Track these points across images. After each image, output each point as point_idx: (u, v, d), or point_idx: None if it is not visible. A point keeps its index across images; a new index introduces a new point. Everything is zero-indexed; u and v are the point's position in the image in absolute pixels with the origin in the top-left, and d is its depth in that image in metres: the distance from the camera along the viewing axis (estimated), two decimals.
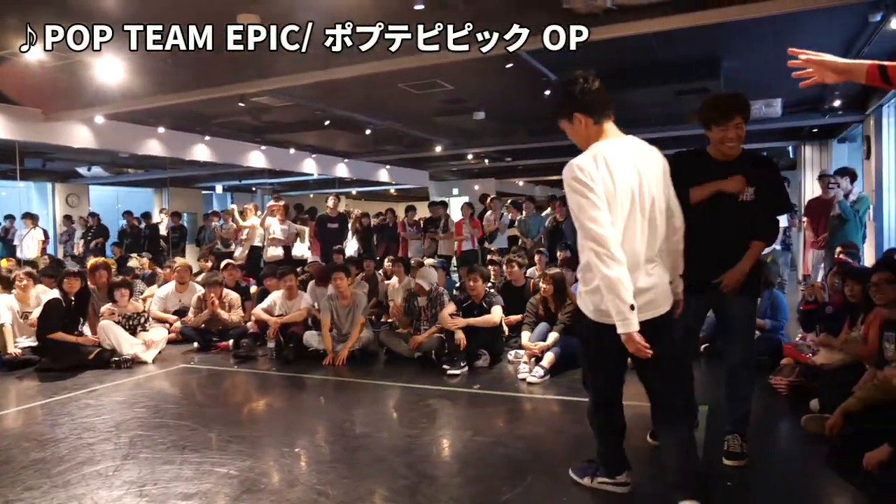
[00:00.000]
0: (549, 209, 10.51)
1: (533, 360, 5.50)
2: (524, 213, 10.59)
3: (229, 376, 5.99)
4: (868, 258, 8.13)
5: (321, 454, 3.73)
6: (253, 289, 8.23)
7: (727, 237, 3.20)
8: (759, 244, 3.22)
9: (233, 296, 7.28)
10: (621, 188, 2.40)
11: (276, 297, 6.94)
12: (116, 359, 6.20)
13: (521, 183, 22.43)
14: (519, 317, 6.37)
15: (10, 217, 12.87)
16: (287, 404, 5.01)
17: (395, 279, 8.22)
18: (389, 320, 7.18)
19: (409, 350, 6.09)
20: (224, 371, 6.14)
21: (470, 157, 16.10)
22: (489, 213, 11.09)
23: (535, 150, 14.85)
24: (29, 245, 11.91)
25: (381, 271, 9.46)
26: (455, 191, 20.04)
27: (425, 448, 3.79)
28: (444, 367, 5.63)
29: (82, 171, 15.03)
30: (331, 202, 10.51)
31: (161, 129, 11.13)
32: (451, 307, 5.98)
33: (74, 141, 10.14)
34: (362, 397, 5.09)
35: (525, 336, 5.78)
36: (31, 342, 6.48)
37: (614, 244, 2.35)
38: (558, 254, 8.46)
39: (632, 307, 2.34)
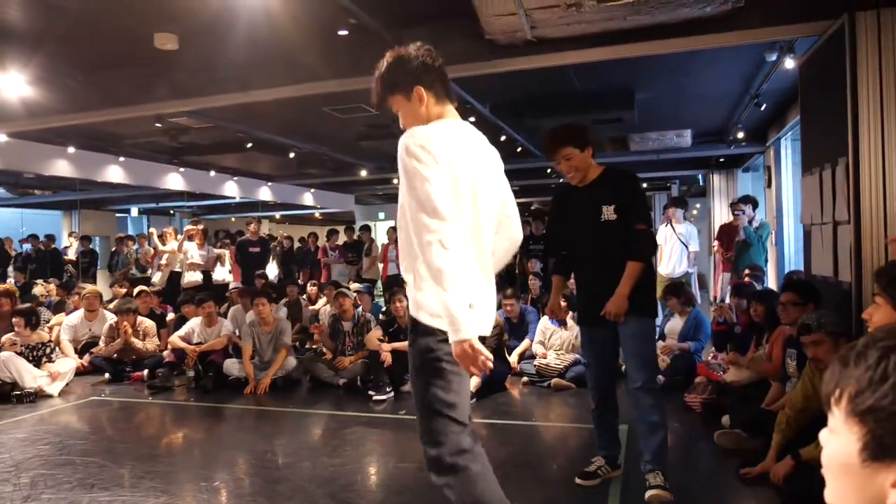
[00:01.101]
0: None
1: None
2: None
3: (143, 408, 5.71)
4: (771, 280, 8.66)
5: (241, 487, 3.61)
6: (170, 316, 7.92)
7: (597, 263, 3.24)
8: (635, 264, 3.12)
9: (147, 323, 6.98)
10: (469, 175, 2.02)
11: (194, 324, 6.69)
12: (17, 393, 5.80)
13: None
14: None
15: None
16: (206, 436, 4.82)
17: (323, 302, 8.10)
18: (314, 346, 7.06)
19: (334, 376, 6.00)
20: (138, 403, 5.85)
21: (395, 181, 16.13)
22: None
23: None
24: None
25: (304, 296, 9.31)
26: (381, 214, 20.01)
27: (349, 476, 3.73)
28: (370, 392, 5.58)
29: None
30: (252, 226, 10.29)
31: (71, 149, 10.61)
32: (377, 331, 5.95)
33: None
34: (285, 426, 4.96)
35: None
36: None
37: (459, 230, 1.93)
38: None
39: (469, 306, 1.87)
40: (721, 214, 12.08)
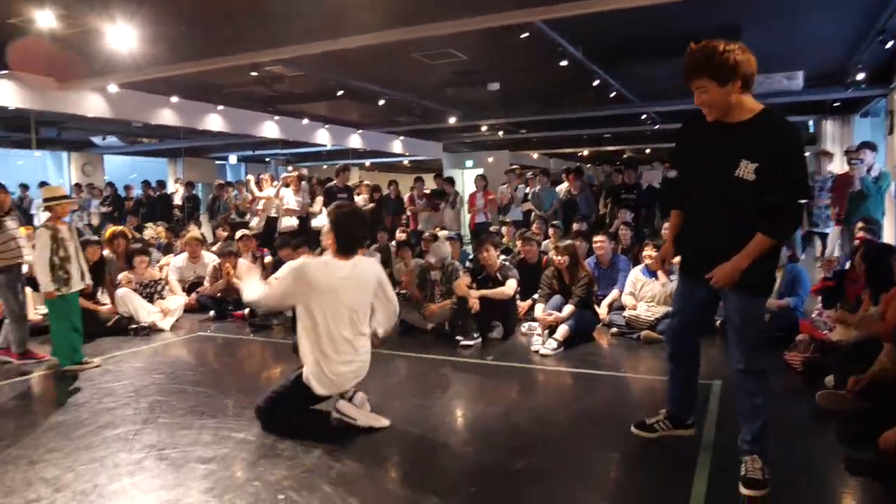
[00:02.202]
0: (564, 183, 10.44)
1: (546, 332, 5.53)
2: (538, 186, 10.54)
3: (245, 344, 6.08)
4: (888, 236, 8.03)
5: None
6: (268, 259, 8.30)
7: (718, 220, 2.80)
8: (764, 240, 2.67)
9: (246, 264, 7.33)
10: None
11: None
12: (134, 326, 6.31)
13: (535, 155, 22.26)
14: (529, 303, 6.37)
15: (24, 186, 13.00)
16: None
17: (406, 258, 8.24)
18: (403, 291, 7.21)
19: (423, 320, 6.14)
20: (240, 339, 6.23)
21: (484, 128, 15.97)
22: (504, 185, 11.06)
23: (550, 123, 14.73)
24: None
25: (393, 242, 9.48)
26: (468, 163, 19.93)
27: (437, 417, 3.84)
28: (458, 338, 5.67)
29: (97, 140, 15.08)
30: (342, 174, 10.48)
31: (174, 99, 11.12)
32: (465, 278, 5.99)
33: (88, 110, 10.16)
34: (375, 367, 5.09)
35: (539, 308, 5.79)
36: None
37: None
38: (574, 226, 8.44)
39: None
40: (834, 165, 11.24)
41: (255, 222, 10.64)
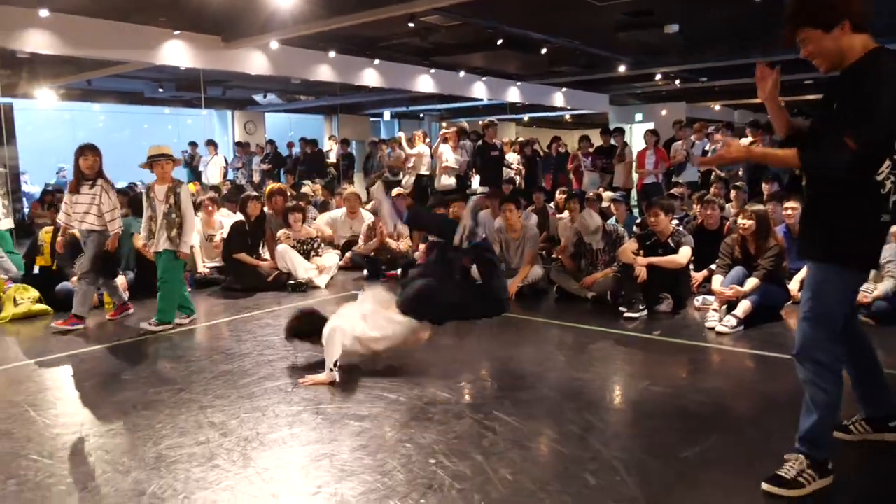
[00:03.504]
0: (748, 137, 9.71)
1: (724, 307, 5.24)
2: (720, 142, 9.89)
3: None
4: None
5: (487, 390, 3.89)
6: None
7: (811, 183, 2.61)
8: (787, 152, 2.52)
9: (401, 225, 7.64)
10: None
11: None
12: (292, 282, 6.84)
13: (716, 107, 20.86)
14: (705, 273, 6.06)
15: (193, 144, 14.39)
16: (452, 338, 5.22)
17: (566, 214, 8.13)
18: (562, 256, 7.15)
19: (582, 289, 6.06)
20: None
21: (658, 77, 15.20)
22: (678, 141, 10.50)
23: (737, 69, 13.66)
24: (212, 171, 13.29)
25: (551, 204, 9.40)
26: (638, 116, 19.13)
27: (596, 393, 3.81)
28: (621, 309, 5.55)
29: (258, 98, 16.31)
30: (490, 130, 10.48)
31: (332, 54, 11.69)
32: (632, 244, 5.81)
33: (251, 68, 10.99)
34: (529, 335, 5.18)
35: (717, 280, 5.48)
36: (216, 263, 7.34)
37: None
38: (764, 187, 7.86)
39: None
40: None
41: (406, 180, 11.01)
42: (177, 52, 9.93)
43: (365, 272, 7.53)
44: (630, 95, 18.58)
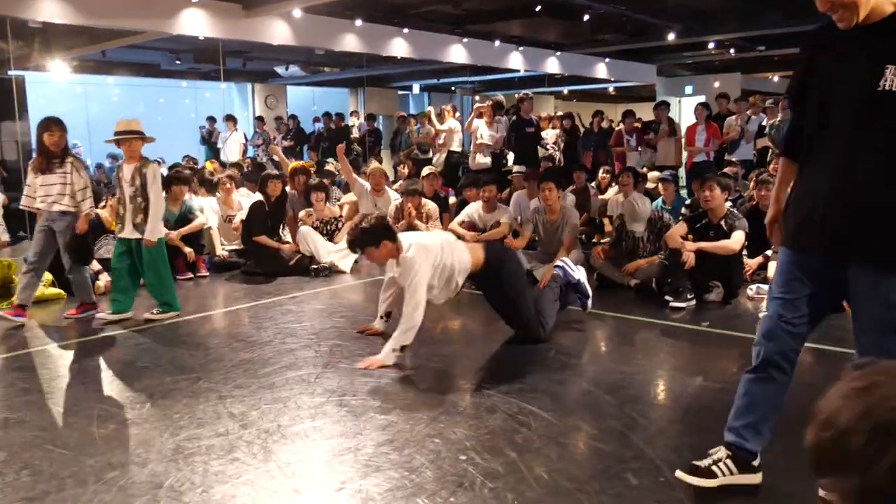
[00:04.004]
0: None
1: None
2: (779, 116, 9.69)
3: None
4: None
5: (521, 382, 3.88)
6: (452, 199, 8.57)
7: (855, 154, 2.29)
8: None
9: (430, 206, 7.65)
10: None
11: (472, 209, 7.18)
12: (315, 266, 6.90)
13: (775, 78, 20.42)
14: (760, 260, 5.96)
15: (211, 119, 14.53)
16: (482, 326, 5.24)
17: (612, 193, 8.07)
18: (602, 240, 7.11)
19: (625, 276, 6.01)
20: None
21: (711, 46, 14.93)
22: (732, 117, 10.31)
23: (796, 36, 13.34)
24: (231, 148, 13.43)
25: (593, 184, 9.33)
26: (688, 89, 18.83)
27: (639, 387, 3.79)
28: (667, 298, 5.50)
29: (280, 70, 16.41)
30: (526, 104, 10.38)
31: (358, 22, 11.70)
32: (681, 227, 5.73)
33: (273, 37, 11.05)
34: (567, 326, 5.15)
35: (773, 268, 5.39)
36: (236, 246, 7.44)
37: None
38: None
39: None
40: None
41: (436, 158, 10.99)
42: (195, 21, 10.03)
43: None
44: (680, 66, 18.31)
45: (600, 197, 8.85)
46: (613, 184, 8.94)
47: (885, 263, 2.29)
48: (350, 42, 12.01)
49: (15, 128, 11.35)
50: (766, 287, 5.45)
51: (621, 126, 11.38)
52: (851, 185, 2.31)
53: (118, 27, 10.14)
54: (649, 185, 8.49)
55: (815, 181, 2.42)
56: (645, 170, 9.65)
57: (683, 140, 10.39)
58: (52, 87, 15.41)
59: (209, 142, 14.42)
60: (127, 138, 5.17)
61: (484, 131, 9.75)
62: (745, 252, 5.97)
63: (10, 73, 11.51)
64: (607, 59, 16.67)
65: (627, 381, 3.84)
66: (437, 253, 4.20)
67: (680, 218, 6.31)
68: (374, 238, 4.17)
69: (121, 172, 5.30)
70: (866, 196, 2.29)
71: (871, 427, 0.91)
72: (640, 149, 10.79)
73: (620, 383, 3.81)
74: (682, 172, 10.43)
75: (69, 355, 4.60)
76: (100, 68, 15.40)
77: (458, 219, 7.24)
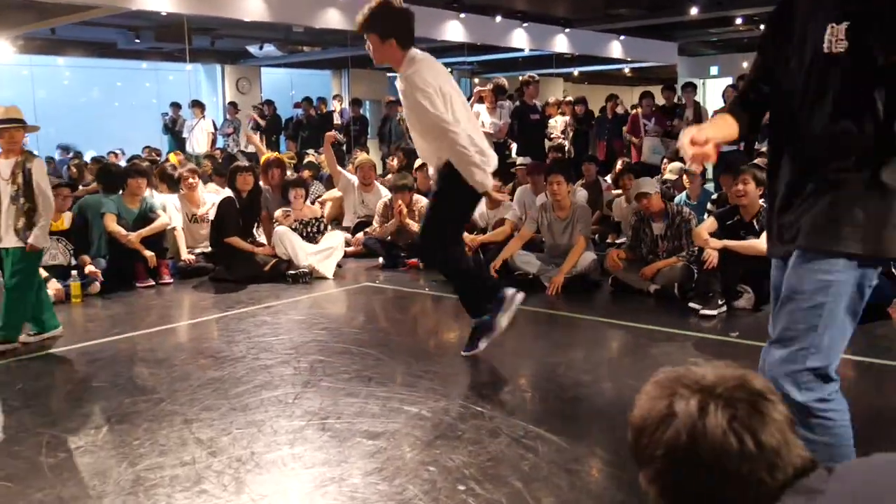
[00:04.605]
0: None
1: None
2: None
3: (419, 299, 6.39)
4: None
5: (528, 402, 3.88)
6: None
7: (804, 136, 2.25)
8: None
9: (423, 203, 7.63)
10: None
11: None
12: (293, 272, 6.88)
13: None
14: None
15: (175, 105, 14.51)
16: None
17: (617, 194, 8.06)
18: (617, 241, 7.11)
19: (643, 281, 6.01)
20: (413, 293, 6.55)
21: (739, 21, 14.97)
22: None
23: None
24: (198, 138, 13.40)
25: (607, 177, 9.33)
26: (713, 69, 18.91)
27: None
28: (693, 305, 5.49)
29: (253, 50, 16.40)
30: (531, 88, 10.37)
31: None
32: (709, 223, 5.71)
33: (245, 13, 11.04)
34: (580, 336, 5.16)
35: None
36: (203, 248, 7.42)
37: None
38: None
39: None
40: None
41: None
42: None
43: (381, 259, 7.55)
44: (704, 44, 18.37)
45: (614, 192, 8.84)
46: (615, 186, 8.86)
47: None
48: (332, 18, 12.00)
49: None
50: None
51: (638, 110, 11.38)
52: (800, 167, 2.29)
53: (70, 2, 10.10)
54: (669, 176, 8.48)
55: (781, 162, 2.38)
56: (665, 161, 9.65)
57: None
58: None
59: (173, 131, 14.40)
60: (6, 128, 4.84)
61: (485, 118, 9.75)
62: None
63: None
64: (622, 37, 16.70)
65: None
66: (452, 83, 4.46)
67: (707, 213, 6.31)
68: (389, 25, 4.26)
69: None
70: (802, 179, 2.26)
71: (646, 424, 1.34)
72: (658, 134, 10.78)
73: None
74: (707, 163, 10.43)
75: (11, 375, 4.57)
76: (48, 48, 15.36)
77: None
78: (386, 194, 8.06)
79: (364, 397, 3.88)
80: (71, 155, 13.84)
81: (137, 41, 14.34)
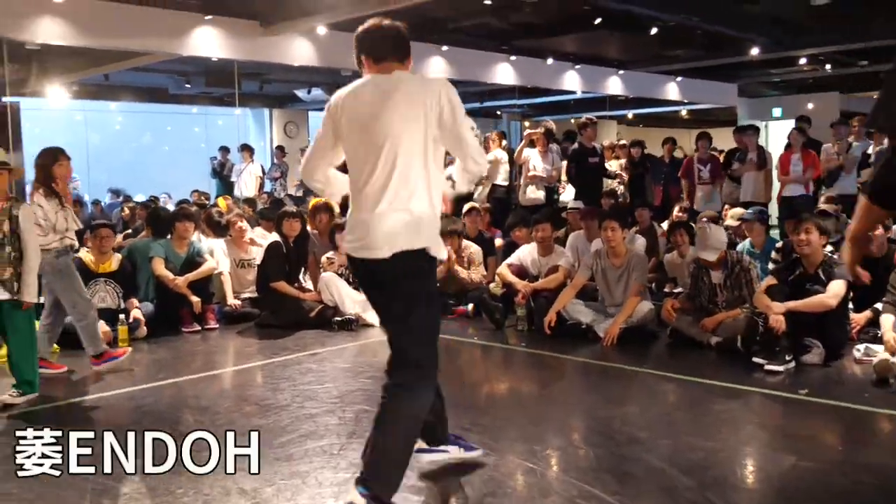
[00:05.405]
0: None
1: None
2: (885, 141, 9.53)
3: (467, 348, 6.37)
4: None
5: (581, 459, 3.82)
6: (498, 241, 8.57)
7: None
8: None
9: (473, 249, 7.66)
10: None
11: (525, 252, 7.18)
12: (339, 319, 6.93)
13: None
14: (869, 314, 5.83)
15: (224, 149, 14.84)
16: (538, 389, 5.20)
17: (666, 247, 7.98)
18: (676, 290, 7.02)
19: (704, 333, 5.92)
20: (461, 342, 6.54)
21: (803, 61, 14.86)
22: (829, 143, 10.18)
23: None
24: (247, 182, 13.67)
25: (664, 224, 9.25)
26: (776, 111, 18.70)
27: (724, 467, 3.70)
28: (757, 360, 5.37)
29: (301, 94, 16.76)
30: (588, 130, 10.35)
31: None
32: (768, 282, 5.63)
33: (294, 57, 11.32)
34: (635, 390, 5.09)
35: (887, 322, 5.25)
36: (250, 293, 7.52)
37: None
38: None
39: None
40: None
41: (479, 192, 11.05)
42: (208, 41, 10.33)
43: None
44: (765, 85, 18.25)
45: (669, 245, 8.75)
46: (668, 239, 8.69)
47: None
48: None
49: (8, 160, 11.72)
50: (876, 347, 5.31)
51: (695, 154, 11.21)
52: None
53: (123, 48, 10.49)
54: (730, 222, 8.38)
55: None
56: (726, 210, 9.53)
57: (775, 171, 10.26)
58: (49, 114, 15.97)
59: (221, 175, 14.70)
60: None
61: (537, 162, 9.77)
62: (850, 305, 5.84)
63: (3, 99, 11.97)
64: (679, 78, 16.69)
65: (708, 460, 3.75)
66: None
67: (771, 262, 6.20)
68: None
69: None
70: None
71: None
72: (712, 184, 10.63)
73: (700, 462, 3.72)
74: (772, 209, 10.28)
75: (58, 417, 4.66)
76: (102, 93, 15.92)
77: (508, 261, 7.23)
78: None
79: None
80: (121, 199, 14.23)
81: (188, 86, 14.79)
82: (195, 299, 6.87)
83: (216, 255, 7.47)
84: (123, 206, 12.15)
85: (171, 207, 10.62)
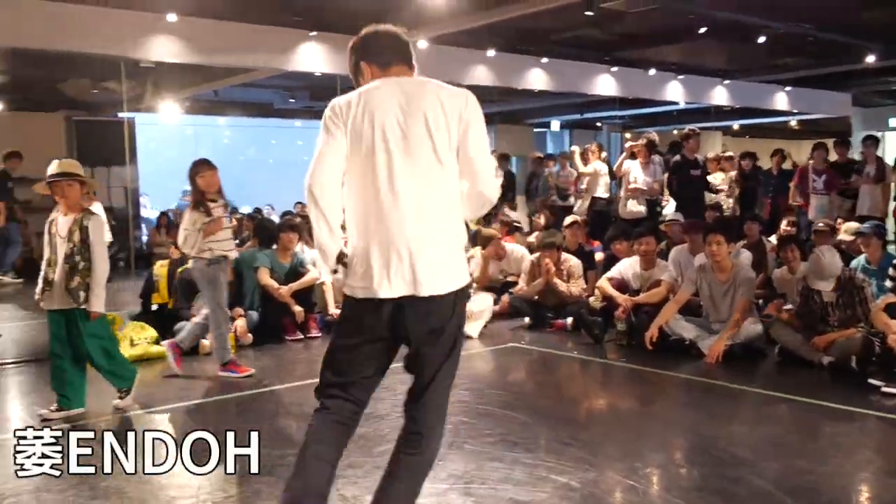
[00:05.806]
0: None
1: None
2: None
3: (566, 362, 6.33)
4: None
5: (683, 478, 3.75)
6: (598, 255, 8.48)
7: None
8: None
9: (573, 262, 7.60)
10: None
11: (625, 265, 7.08)
12: None
13: None
14: None
15: None
16: (639, 406, 5.12)
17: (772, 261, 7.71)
18: (786, 307, 6.79)
19: (815, 352, 5.71)
20: (560, 355, 6.50)
21: None
22: None
23: None
24: None
25: (772, 238, 8.97)
26: (893, 121, 17.97)
27: (836, 493, 3.58)
28: (873, 381, 5.15)
29: None
30: (691, 141, 10.10)
31: (491, 53, 12.00)
32: (885, 300, 5.40)
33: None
34: (742, 410, 4.97)
35: None
36: None
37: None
38: None
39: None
40: None
41: (578, 205, 10.96)
42: (312, 56, 10.65)
43: (527, 319, 7.54)
44: (881, 94, 17.55)
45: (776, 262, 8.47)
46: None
47: None
48: (480, 74, 12.32)
49: (125, 173, 12.36)
50: None
51: (810, 162, 10.79)
52: None
53: (232, 64, 10.92)
54: (844, 237, 8.05)
55: None
56: (839, 223, 9.16)
57: (894, 184, 9.81)
58: (162, 128, 16.74)
59: None
60: (60, 182, 4.76)
61: (638, 174, 9.63)
62: None
63: (121, 115, 12.61)
64: (788, 88, 16.23)
65: (820, 484, 3.63)
66: None
67: (890, 279, 5.94)
68: None
69: (54, 227, 4.84)
70: None
71: None
72: (828, 194, 10.23)
73: (811, 486, 3.59)
74: (890, 224, 9.84)
75: (161, 418, 4.85)
76: (211, 109, 16.59)
77: (609, 274, 7.15)
78: (522, 253, 8.15)
79: (509, 463, 3.86)
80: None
81: (292, 101, 15.27)
82: (298, 309, 7.06)
83: (318, 265, 7.64)
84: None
85: (274, 219, 10.96)
